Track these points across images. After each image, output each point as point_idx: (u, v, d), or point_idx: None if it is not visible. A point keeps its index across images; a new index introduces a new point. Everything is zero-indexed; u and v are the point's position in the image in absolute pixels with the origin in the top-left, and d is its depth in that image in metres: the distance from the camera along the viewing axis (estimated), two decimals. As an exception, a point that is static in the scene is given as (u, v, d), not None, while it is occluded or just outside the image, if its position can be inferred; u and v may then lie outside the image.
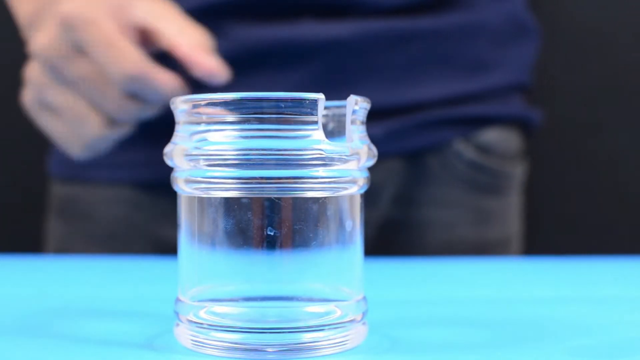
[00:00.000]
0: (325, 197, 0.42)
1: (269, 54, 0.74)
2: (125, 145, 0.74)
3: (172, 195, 0.76)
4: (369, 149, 0.44)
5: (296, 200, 0.42)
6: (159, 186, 0.76)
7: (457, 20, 0.77)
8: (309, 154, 0.41)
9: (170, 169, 0.69)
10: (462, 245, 0.80)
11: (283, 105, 0.41)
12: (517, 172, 0.85)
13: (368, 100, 0.44)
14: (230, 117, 0.41)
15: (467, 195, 0.80)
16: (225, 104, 0.41)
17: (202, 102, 0.42)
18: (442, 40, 0.77)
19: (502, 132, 0.82)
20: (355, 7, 0.74)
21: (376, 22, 0.75)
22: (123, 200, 0.78)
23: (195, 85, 0.65)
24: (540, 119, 0.86)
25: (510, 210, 0.85)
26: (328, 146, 0.41)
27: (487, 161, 0.80)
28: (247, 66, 0.73)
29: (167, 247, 0.76)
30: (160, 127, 0.75)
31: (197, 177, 0.42)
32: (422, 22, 0.76)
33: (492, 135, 0.81)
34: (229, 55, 0.69)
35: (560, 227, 1.25)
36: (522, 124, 0.84)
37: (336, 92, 0.54)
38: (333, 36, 0.74)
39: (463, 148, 0.79)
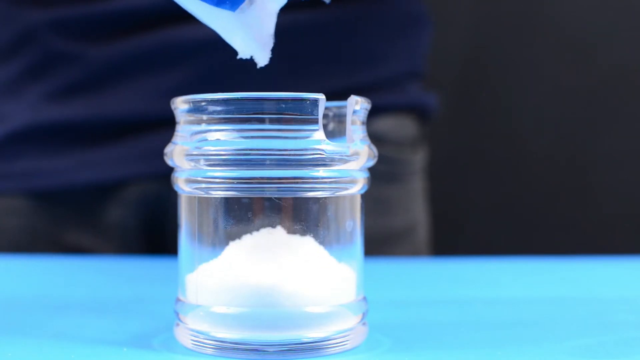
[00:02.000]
0: (325, 198, 0.42)
1: (142, 60, 0.74)
2: (15, 156, 0.75)
3: (69, 202, 0.77)
4: (370, 149, 0.44)
5: (296, 200, 0.42)
6: (54, 193, 0.76)
7: (342, 14, 0.78)
8: (310, 154, 0.41)
9: (64, 177, 0.69)
10: (366, 236, 0.80)
11: (284, 106, 0.41)
12: (417, 158, 0.85)
13: (369, 100, 0.44)
14: (231, 117, 0.41)
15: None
16: (225, 104, 0.41)
17: (203, 102, 0.42)
18: (324, 35, 0.77)
19: (396, 120, 0.82)
20: None
21: None
22: (20, 209, 0.78)
23: None
24: (436, 104, 0.86)
25: (413, 197, 0.85)
26: (328, 146, 0.41)
27: (381, 150, 0.80)
28: (126, 72, 0.74)
29: (75, 252, 0.77)
30: (48, 138, 0.76)
31: (197, 177, 0.42)
32: (306, 17, 0.76)
33: (385, 124, 0.81)
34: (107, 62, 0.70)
35: (561, 227, 1.25)
36: (417, 111, 0.85)
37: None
38: (210, 37, 0.74)
39: None
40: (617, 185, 1.23)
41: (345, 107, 0.43)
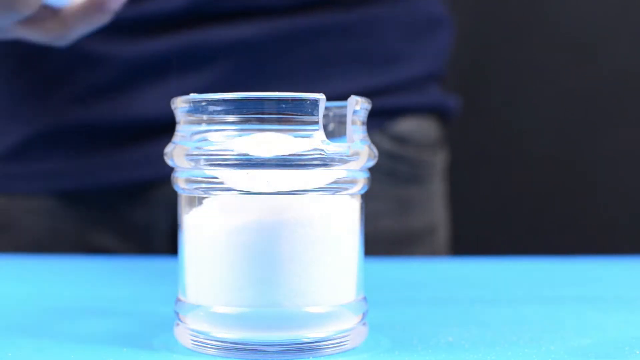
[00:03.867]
0: (325, 198, 0.42)
1: (169, 61, 0.74)
2: (42, 157, 0.75)
3: (95, 203, 0.77)
4: (370, 149, 0.44)
5: (297, 199, 0.42)
6: (81, 195, 0.77)
7: (364, 16, 0.78)
8: (310, 154, 0.41)
9: (90, 178, 0.69)
10: (387, 236, 0.80)
11: (284, 106, 0.41)
12: (438, 160, 0.86)
13: (369, 100, 0.44)
14: (231, 117, 0.41)
15: (387, 186, 0.80)
16: (225, 104, 0.41)
17: (203, 102, 0.42)
18: (349, 35, 0.77)
19: (418, 122, 0.82)
20: (257, 7, 0.75)
21: (280, 20, 0.75)
22: (45, 210, 0.78)
23: None
24: (457, 106, 0.86)
25: (434, 198, 0.85)
26: (328, 147, 0.41)
27: (404, 151, 0.81)
28: (152, 73, 0.74)
29: (99, 253, 0.77)
30: (75, 139, 0.76)
31: (197, 177, 0.42)
32: (328, 19, 0.76)
33: (408, 125, 0.81)
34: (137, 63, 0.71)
35: (561, 227, 1.25)
36: (438, 113, 0.85)
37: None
38: (236, 38, 0.74)
39: (379, 139, 0.79)
40: (618, 185, 1.23)
41: (345, 107, 0.43)
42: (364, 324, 0.44)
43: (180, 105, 0.43)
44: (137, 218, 0.76)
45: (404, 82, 0.81)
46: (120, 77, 0.74)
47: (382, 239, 0.79)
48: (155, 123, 0.74)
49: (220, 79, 0.74)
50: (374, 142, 0.80)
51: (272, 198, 0.41)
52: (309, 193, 0.42)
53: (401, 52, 0.81)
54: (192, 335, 0.43)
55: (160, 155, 0.74)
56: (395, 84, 0.80)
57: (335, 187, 0.42)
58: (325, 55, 0.77)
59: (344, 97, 0.83)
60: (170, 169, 0.44)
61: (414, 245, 0.82)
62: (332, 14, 0.77)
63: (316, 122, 0.41)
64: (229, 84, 0.73)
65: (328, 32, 0.76)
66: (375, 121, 0.79)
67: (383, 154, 0.79)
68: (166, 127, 0.74)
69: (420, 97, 0.83)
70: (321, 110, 0.41)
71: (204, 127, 0.42)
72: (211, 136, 0.42)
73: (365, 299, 0.44)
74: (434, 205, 0.85)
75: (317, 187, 0.42)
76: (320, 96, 0.41)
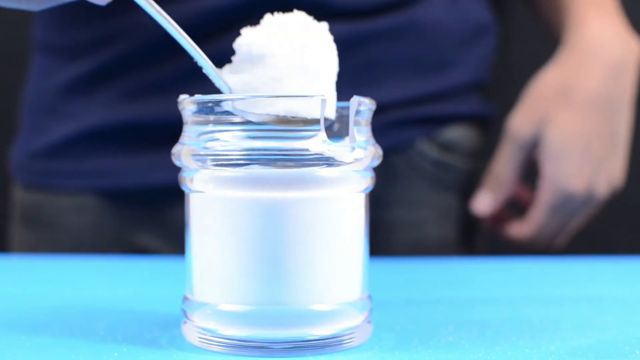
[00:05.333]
0: (329, 197, 0.42)
1: (218, 61, 0.74)
2: (87, 154, 0.75)
3: (139, 202, 0.77)
4: (375, 149, 0.44)
5: (300, 199, 0.42)
6: (124, 194, 0.77)
7: (415, 21, 0.78)
8: (312, 154, 0.41)
9: (135, 177, 0.68)
10: (430, 244, 0.80)
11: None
12: (481, 168, 0.86)
13: (373, 101, 0.45)
14: (236, 118, 0.42)
15: (433, 193, 0.81)
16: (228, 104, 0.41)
17: (209, 103, 0.42)
18: (400, 41, 0.77)
19: (464, 130, 0.83)
20: (313, 11, 0.75)
21: (333, 25, 0.75)
22: (89, 208, 0.78)
23: None
24: (495, 114, 0.87)
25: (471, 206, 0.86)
26: (330, 146, 0.41)
27: (450, 159, 0.81)
28: (202, 74, 0.74)
29: (141, 253, 0.77)
30: (121, 138, 0.76)
31: (204, 177, 0.43)
32: (380, 24, 0.76)
33: (454, 133, 0.82)
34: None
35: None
36: (481, 121, 0.85)
37: None
38: None
39: (427, 147, 0.80)
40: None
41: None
42: (368, 322, 0.45)
43: (187, 106, 0.44)
44: (179, 218, 0.77)
45: (452, 89, 0.81)
46: (168, 76, 0.74)
47: (424, 246, 0.80)
48: None
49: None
50: (421, 150, 0.80)
51: (277, 197, 0.42)
52: (314, 192, 0.42)
53: (451, 59, 0.80)
54: (199, 332, 0.43)
55: None
56: (443, 91, 0.80)
57: (339, 186, 0.43)
58: (376, 61, 0.76)
59: (395, 102, 0.83)
60: None
61: (453, 251, 0.82)
62: (384, 19, 0.76)
63: (318, 122, 0.41)
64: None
65: (380, 37, 0.76)
66: (423, 129, 0.80)
67: (429, 162, 0.79)
68: None
69: (465, 104, 0.83)
70: (323, 110, 0.41)
71: (210, 127, 0.43)
72: (217, 136, 0.42)
73: (370, 297, 0.45)
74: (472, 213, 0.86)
75: (321, 185, 0.42)
76: (322, 96, 0.41)
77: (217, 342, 0.42)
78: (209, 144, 0.42)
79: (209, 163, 0.42)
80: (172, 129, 0.75)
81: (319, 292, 0.42)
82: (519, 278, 0.67)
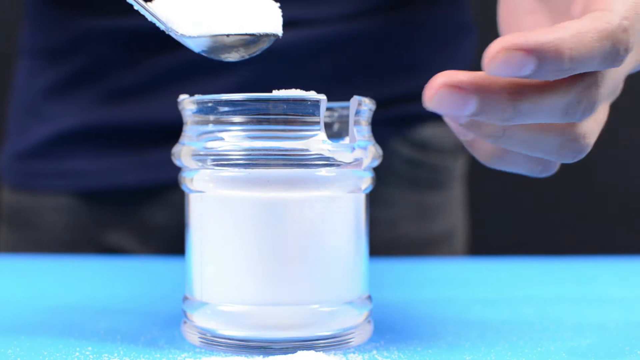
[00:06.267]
0: (329, 197, 0.42)
1: (194, 66, 0.75)
2: (65, 155, 0.75)
3: (114, 203, 0.77)
4: (375, 149, 0.44)
5: (300, 200, 0.42)
6: (102, 195, 0.77)
7: (392, 24, 0.78)
8: (312, 154, 0.41)
9: (112, 178, 0.68)
10: (406, 242, 0.80)
11: (286, 106, 0.41)
12: (457, 165, 0.86)
13: (373, 101, 0.45)
14: (236, 118, 0.42)
15: (408, 192, 0.81)
16: (231, 105, 0.41)
17: (209, 103, 0.42)
18: (374, 44, 0.78)
19: (438, 128, 0.83)
20: (289, 18, 0.75)
21: (307, 30, 0.75)
22: (65, 208, 0.79)
23: None
24: None
25: (453, 204, 0.86)
26: (329, 146, 0.42)
27: (425, 157, 0.81)
28: (181, 77, 0.74)
29: (116, 253, 0.77)
30: (98, 139, 0.76)
31: (204, 177, 0.43)
32: (355, 28, 0.77)
33: (428, 132, 0.82)
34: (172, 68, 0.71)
35: (561, 227, 1.25)
36: None
37: None
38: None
39: (400, 146, 0.80)
40: (618, 185, 1.24)
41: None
42: (368, 322, 0.45)
43: (187, 106, 0.44)
44: (157, 219, 0.77)
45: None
46: (145, 81, 0.75)
47: (402, 244, 0.80)
48: (179, 125, 0.74)
49: (248, 84, 0.74)
50: (395, 149, 0.80)
51: (277, 197, 0.42)
52: (314, 192, 0.42)
53: (427, 60, 0.81)
54: (199, 332, 0.43)
55: None
56: (417, 91, 0.80)
57: (339, 187, 0.43)
58: (350, 62, 0.77)
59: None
60: None
61: (433, 249, 0.83)
62: (359, 23, 0.77)
63: (318, 123, 0.41)
64: (251, 89, 0.74)
65: (355, 40, 0.76)
66: (396, 128, 0.80)
67: (404, 161, 0.80)
68: None
69: None
70: (323, 111, 0.41)
71: (210, 127, 0.43)
72: (217, 136, 0.42)
73: (370, 297, 0.45)
74: (453, 211, 0.86)
75: (321, 186, 0.42)
76: (322, 97, 0.41)
77: (217, 342, 0.42)
78: (209, 144, 0.42)
79: (209, 163, 0.42)
80: (149, 131, 0.75)
81: (319, 292, 0.42)
82: (519, 278, 0.67)
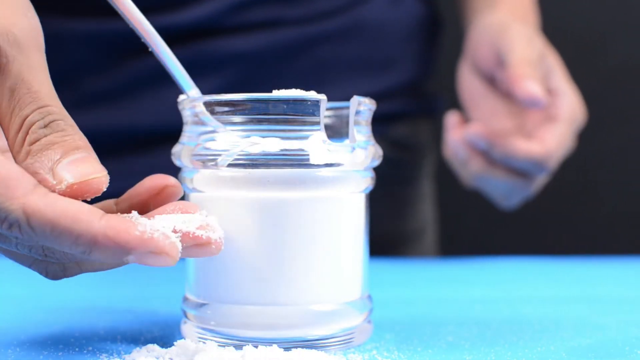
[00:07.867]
0: (329, 197, 0.42)
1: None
2: None
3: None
4: (375, 149, 0.44)
5: (300, 200, 0.42)
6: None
7: (358, 23, 0.79)
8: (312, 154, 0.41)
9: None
10: (378, 238, 0.81)
11: (285, 107, 0.41)
12: (427, 161, 0.87)
13: (373, 101, 0.45)
14: (236, 118, 0.42)
15: (381, 189, 0.81)
16: (229, 105, 0.42)
17: (209, 103, 0.42)
18: (345, 42, 0.78)
19: (412, 126, 0.83)
20: (264, 20, 0.75)
21: (282, 31, 0.76)
22: None
23: None
24: (445, 106, 0.87)
25: (424, 199, 0.86)
26: (329, 147, 0.42)
27: (399, 155, 0.82)
28: (158, 82, 0.74)
29: None
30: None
31: (204, 177, 0.43)
32: (325, 27, 0.77)
33: (403, 130, 0.82)
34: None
35: (561, 227, 1.25)
36: (430, 115, 0.86)
37: None
38: (242, 48, 0.74)
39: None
40: (618, 185, 1.24)
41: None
42: (368, 322, 0.45)
43: (187, 106, 0.44)
44: None
45: (399, 86, 0.81)
46: (123, 85, 0.74)
47: (373, 241, 0.80)
48: (158, 132, 0.74)
49: (226, 87, 0.74)
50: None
51: (277, 197, 0.42)
52: (314, 192, 0.42)
53: (395, 57, 0.81)
54: (199, 332, 0.43)
55: (164, 164, 0.75)
56: (391, 89, 0.81)
57: (338, 187, 0.43)
58: (322, 63, 0.77)
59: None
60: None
61: (404, 247, 0.83)
62: (329, 22, 0.77)
63: (318, 123, 0.41)
64: (233, 91, 0.74)
65: (326, 39, 0.77)
66: (373, 127, 0.80)
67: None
68: (169, 136, 0.74)
69: (414, 100, 0.83)
70: (322, 111, 0.41)
71: (210, 127, 0.43)
72: (217, 136, 0.42)
73: (370, 297, 0.45)
74: (424, 206, 0.86)
75: (321, 186, 0.42)
76: (322, 97, 0.41)
77: (217, 342, 0.42)
78: (209, 144, 0.42)
79: (209, 163, 0.42)
80: (128, 138, 0.75)
81: (319, 292, 0.42)
82: (519, 278, 0.67)
